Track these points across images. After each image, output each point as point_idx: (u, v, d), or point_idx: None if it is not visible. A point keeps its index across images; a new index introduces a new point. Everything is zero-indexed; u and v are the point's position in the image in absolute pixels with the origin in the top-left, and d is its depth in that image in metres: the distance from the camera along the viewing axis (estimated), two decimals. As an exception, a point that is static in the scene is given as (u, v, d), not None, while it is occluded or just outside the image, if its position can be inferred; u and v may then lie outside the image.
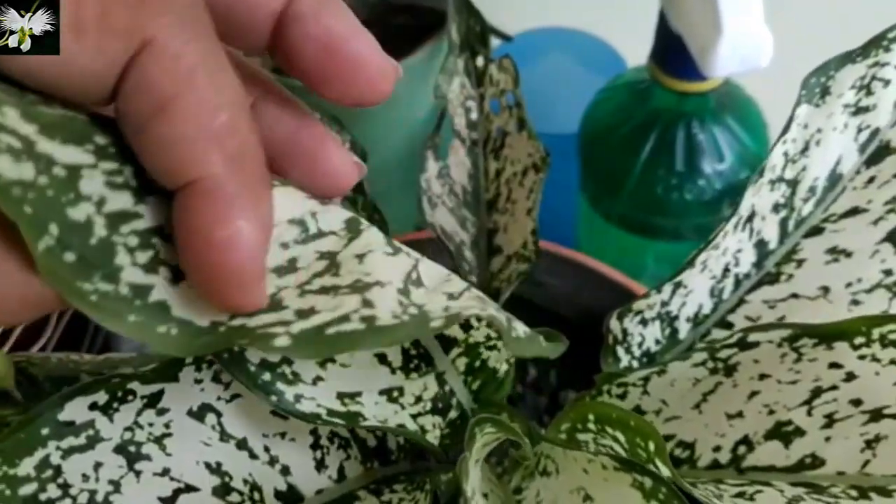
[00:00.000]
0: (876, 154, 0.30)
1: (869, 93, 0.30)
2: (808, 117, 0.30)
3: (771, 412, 0.27)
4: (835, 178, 0.31)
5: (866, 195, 0.30)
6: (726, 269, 0.31)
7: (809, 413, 0.27)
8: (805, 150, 0.30)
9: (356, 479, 0.29)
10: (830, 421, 0.26)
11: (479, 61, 0.42)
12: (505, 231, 0.40)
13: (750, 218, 0.31)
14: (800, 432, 0.27)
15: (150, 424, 0.23)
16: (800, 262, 0.31)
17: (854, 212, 0.30)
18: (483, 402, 0.31)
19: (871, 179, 0.30)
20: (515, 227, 0.39)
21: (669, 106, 0.45)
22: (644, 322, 0.32)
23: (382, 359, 0.27)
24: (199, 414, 0.25)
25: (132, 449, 0.23)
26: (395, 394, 0.27)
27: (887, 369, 0.25)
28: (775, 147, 0.29)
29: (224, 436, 0.25)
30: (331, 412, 0.24)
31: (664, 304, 0.31)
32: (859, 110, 0.30)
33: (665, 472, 0.24)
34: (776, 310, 0.31)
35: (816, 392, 0.27)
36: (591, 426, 0.27)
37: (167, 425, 0.24)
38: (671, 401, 0.29)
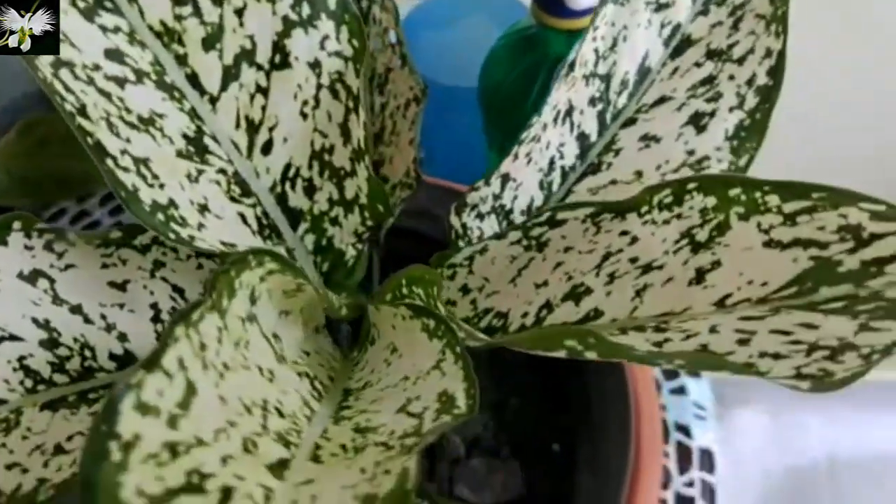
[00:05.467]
0: (679, 47, 0.33)
1: (669, -10, 0.32)
2: (615, 15, 0.32)
3: (570, 278, 0.30)
4: (644, 72, 0.33)
5: (671, 85, 0.32)
6: (552, 163, 0.34)
7: (598, 275, 0.29)
8: (614, 46, 0.32)
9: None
10: (612, 279, 0.28)
11: (363, 2, 0.44)
12: (390, 162, 0.42)
13: (569, 112, 0.33)
14: (589, 291, 0.29)
15: (-25, 279, 0.26)
16: (617, 152, 0.33)
17: (662, 101, 0.33)
18: (333, 286, 0.33)
19: (675, 70, 0.32)
20: (399, 158, 0.42)
21: (557, 47, 0.47)
22: (481, 216, 0.34)
23: (243, 218, 0.29)
24: (30, 277, 0.27)
25: (-47, 297, 0.26)
26: None
27: (661, 228, 0.28)
28: (583, 43, 0.32)
29: (57, 300, 0.28)
30: (224, 243, 0.27)
31: (496, 197, 0.34)
32: (660, 7, 0.32)
33: (441, 310, 0.27)
34: (598, 196, 0.33)
35: (606, 257, 0.29)
36: (405, 290, 0.30)
37: (-6, 282, 0.27)
38: (492, 278, 0.32)
